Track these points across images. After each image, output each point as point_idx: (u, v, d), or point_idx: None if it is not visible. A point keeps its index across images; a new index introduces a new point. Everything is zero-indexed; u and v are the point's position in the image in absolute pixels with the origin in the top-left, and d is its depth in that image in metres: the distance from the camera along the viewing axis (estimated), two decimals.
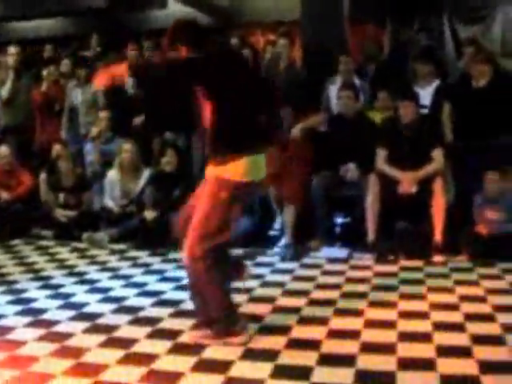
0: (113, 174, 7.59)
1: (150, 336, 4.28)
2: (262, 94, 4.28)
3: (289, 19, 12.23)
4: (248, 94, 4.06)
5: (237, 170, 3.94)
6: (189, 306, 4.73)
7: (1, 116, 9.12)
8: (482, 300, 4.80)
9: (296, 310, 4.65)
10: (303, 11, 8.22)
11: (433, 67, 7.28)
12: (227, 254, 4.31)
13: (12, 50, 9.11)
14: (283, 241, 6.61)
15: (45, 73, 9.03)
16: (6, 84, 8.91)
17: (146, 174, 7.52)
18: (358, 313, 4.57)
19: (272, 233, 7.17)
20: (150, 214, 7.03)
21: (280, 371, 3.63)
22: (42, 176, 8.04)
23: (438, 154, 6.35)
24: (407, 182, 6.27)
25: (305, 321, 4.46)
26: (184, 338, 4.19)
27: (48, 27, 15.54)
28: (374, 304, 4.77)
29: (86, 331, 4.39)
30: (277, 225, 7.03)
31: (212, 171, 4.02)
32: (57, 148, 8.20)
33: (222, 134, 4.00)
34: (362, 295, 5.00)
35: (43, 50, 10.07)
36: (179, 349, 4.04)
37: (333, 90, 7.51)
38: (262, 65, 8.39)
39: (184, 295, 5.02)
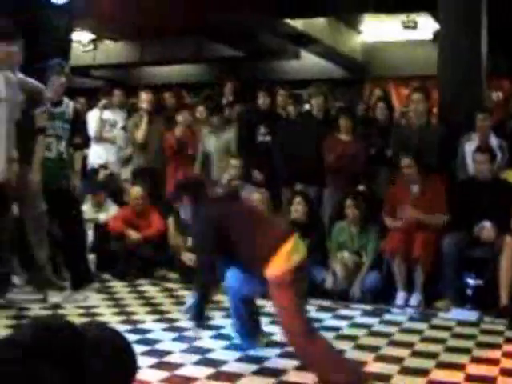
0: None
1: None
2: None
3: (423, 74, 12.12)
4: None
5: (274, 266, 4.15)
6: None
7: (134, 158, 9.36)
8: None
9: (424, 372, 4.48)
10: (441, 65, 8.03)
11: None
12: None
13: (144, 95, 9.34)
14: (412, 301, 6.51)
15: (180, 118, 9.13)
16: (140, 127, 9.14)
17: None
18: (490, 381, 4.36)
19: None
20: None
21: None
22: (170, 219, 8.15)
23: None
24: None
25: None
26: None
27: (179, 73, 15.89)
28: (506, 372, 4.53)
29: (210, 377, 4.36)
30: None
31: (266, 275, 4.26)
32: None
33: (248, 254, 4.35)
34: (492, 361, 4.76)
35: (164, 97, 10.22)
36: None
37: (468, 148, 7.27)
38: (394, 121, 8.27)
39: None
